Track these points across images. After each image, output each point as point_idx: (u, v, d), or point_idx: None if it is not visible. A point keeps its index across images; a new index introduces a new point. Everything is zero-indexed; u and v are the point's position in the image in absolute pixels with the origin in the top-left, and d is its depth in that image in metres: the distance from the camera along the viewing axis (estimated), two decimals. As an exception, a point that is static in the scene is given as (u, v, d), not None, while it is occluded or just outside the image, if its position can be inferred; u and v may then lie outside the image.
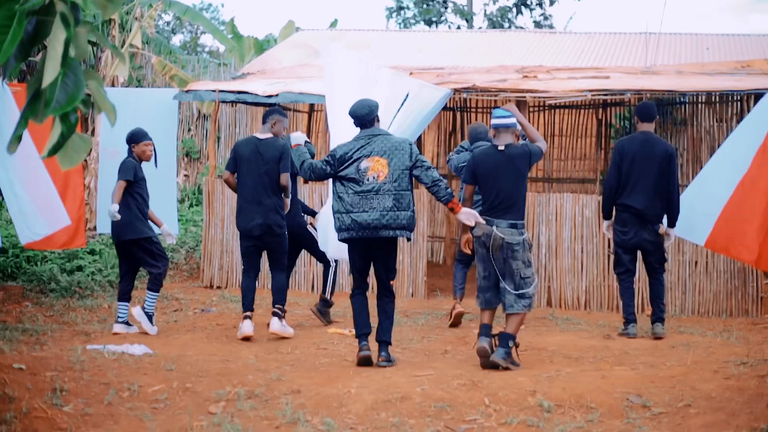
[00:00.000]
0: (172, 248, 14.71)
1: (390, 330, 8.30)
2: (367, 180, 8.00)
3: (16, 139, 3.70)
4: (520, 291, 8.11)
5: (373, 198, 7.99)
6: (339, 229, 8.16)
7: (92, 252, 13.51)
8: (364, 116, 8.19)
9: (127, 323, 9.73)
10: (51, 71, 3.56)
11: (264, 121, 9.71)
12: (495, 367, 7.89)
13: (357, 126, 8.27)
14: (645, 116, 9.78)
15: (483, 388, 7.11)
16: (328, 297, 10.53)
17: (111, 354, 7.98)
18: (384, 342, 8.20)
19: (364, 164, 8.04)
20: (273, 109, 9.84)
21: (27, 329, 9.60)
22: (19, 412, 6.13)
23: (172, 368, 7.60)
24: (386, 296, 8.36)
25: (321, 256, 10.50)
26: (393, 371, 7.76)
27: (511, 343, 8.02)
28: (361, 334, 8.25)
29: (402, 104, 10.49)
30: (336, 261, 10.49)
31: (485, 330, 8.12)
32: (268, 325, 9.54)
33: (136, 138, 9.81)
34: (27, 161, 9.52)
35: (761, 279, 11.67)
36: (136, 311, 9.56)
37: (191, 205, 18.30)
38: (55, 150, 3.66)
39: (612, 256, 10.23)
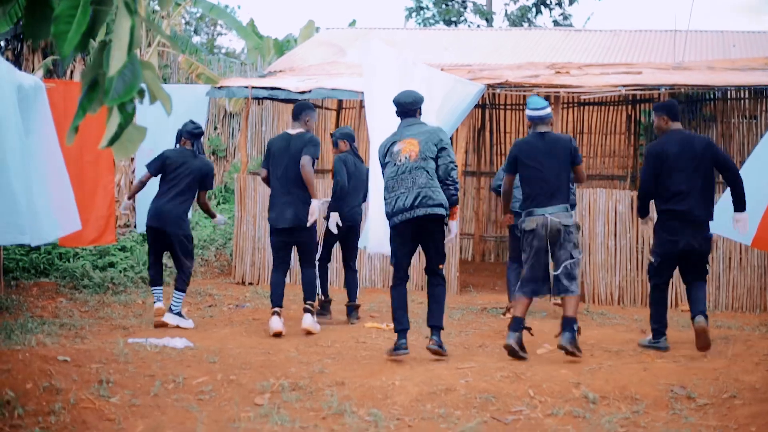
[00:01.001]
0: (202, 245, 14.75)
1: (441, 315, 8.16)
2: (400, 161, 8.02)
3: (74, 129, 3.71)
4: (573, 272, 8.19)
5: (407, 177, 7.97)
6: (387, 216, 8.14)
7: (123, 249, 13.55)
8: (407, 104, 8.23)
9: (180, 314, 9.78)
10: (117, 60, 3.56)
11: (296, 118, 9.62)
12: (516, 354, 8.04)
13: (398, 115, 8.30)
14: (675, 115, 8.87)
15: (526, 380, 7.11)
16: (322, 296, 10.59)
17: (153, 347, 8.03)
18: (435, 327, 8.11)
19: (397, 147, 8.09)
20: (303, 104, 9.77)
21: (65, 323, 9.63)
22: (67, 403, 6.17)
23: (214, 361, 7.64)
24: (436, 281, 8.24)
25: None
26: (435, 364, 7.77)
27: (575, 326, 8.10)
28: (400, 330, 8.09)
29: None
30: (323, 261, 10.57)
31: (517, 325, 8.12)
32: None
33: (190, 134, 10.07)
34: (50, 159, 9.51)
35: (794, 274, 11.65)
36: (169, 317, 9.57)
37: (218, 203, 18.33)
38: (113, 140, 3.66)
39: (650, 260, 9.00)
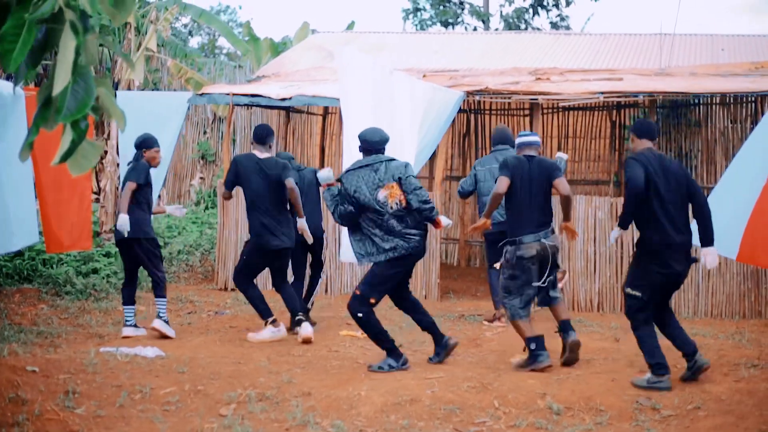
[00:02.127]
0: (187, 251, 14.78)
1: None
2: (391, 208, 8.06)
3: (28, 146, 3.74)
4: (555, 281, 8.46)
5: (408, 218, 8.11)
6: (386, 251, 8.14)
7: (107, 255, 13.57)
8: (375, 143, 8.22)
9: (135, 326, 9.79)
10: (61, 79, 3.59)
11: (262, 142, 9.60)
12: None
13: (362, 151, 8.28)
14: (649, 134, 7.91)
15: (493, 391, 7.15)
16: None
17: (124, 356, 8.05)
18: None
19: (381, 195, 8.05)
20: (267, 129, 9.70)
21: (42, 332, 9.64)
22: (31, 415, 6.21)
23: (184, 371, 7.66)
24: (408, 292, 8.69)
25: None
26: (404, 374, 7.80)
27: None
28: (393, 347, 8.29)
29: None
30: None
31: (539, 343, 8.13)
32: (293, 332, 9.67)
33: (147, 144, 9.83)
34: (19, 170, 9.49)
35: (775, 281, 11.66)
36: (158, 324, 9.58)
37: (206, 208, 18.37)
38: (66, 157, 3.69)
39: (631, 292, 7.75)
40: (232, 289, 13.27)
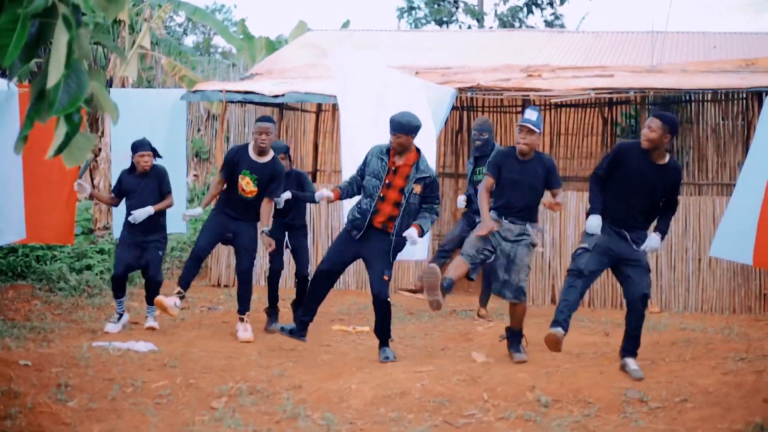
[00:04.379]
0: (180, 247, 14.82)
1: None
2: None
3: (23, 139, 3.78)
4: None
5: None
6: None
7: (101, 251, 13.61)
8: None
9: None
10: (54, 73, 3.62)
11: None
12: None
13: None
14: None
15: (482, 384, 7.18)
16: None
17: (116, 351, 8.08)
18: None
19: None
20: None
21: (35, 327, 9.68)
22: (24, 408, 6.24)
23: (175, 365, 7.70)
24: None
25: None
26: (394, 367, 7.84)
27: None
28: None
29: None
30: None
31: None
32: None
33: (132, 149, 9.82)
34: (9, 166, 9.52)
35: (764, 276, 11.72)
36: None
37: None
38: (60, 150, 3.73)
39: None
40: (225, 285, 13.34)
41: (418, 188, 8.16)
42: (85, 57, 3.93)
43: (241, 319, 9.46)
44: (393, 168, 8.17)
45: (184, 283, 9.34)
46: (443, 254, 10.65)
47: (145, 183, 9.75)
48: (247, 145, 9.44)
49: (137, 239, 9.72)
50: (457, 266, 8.21)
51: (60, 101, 3.69)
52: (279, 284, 10.10)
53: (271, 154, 9.41)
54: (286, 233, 10.06)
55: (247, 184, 9.28)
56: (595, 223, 7.71)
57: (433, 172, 8.31)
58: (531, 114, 8.27)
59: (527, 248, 8.20)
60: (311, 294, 8.51)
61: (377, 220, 8.20)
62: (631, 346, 7.81)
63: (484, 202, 8.32)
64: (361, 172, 8.34)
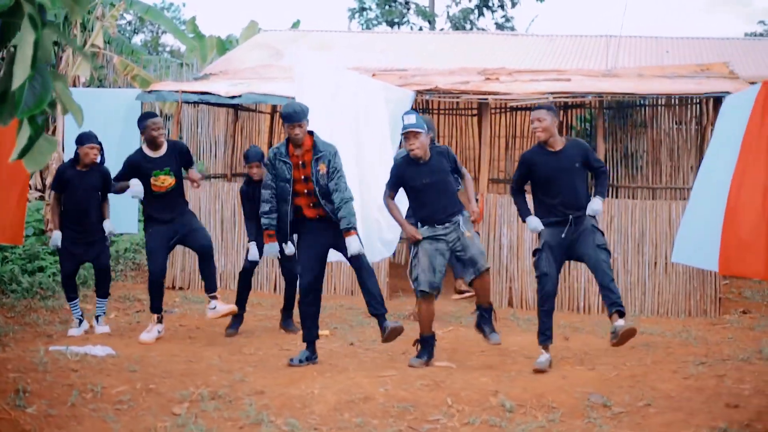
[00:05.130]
0: (134, 249, 14.66)
1: None
2: None
3: (-16, 141, 3.70)
4: None
5: None
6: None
7: (53, 253, 13.41)
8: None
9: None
10: (20, 73, 3.54)
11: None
12: None
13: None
14: None
15: (445, 389, 7.17)
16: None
17: (73, 355, 7.95)
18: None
19: None
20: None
21: (-12, 330, 9.55)
22: (-19, 413, 6.12)
23: (135, 369, 7.60)
24: None
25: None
26: (356, 372, 7.80)
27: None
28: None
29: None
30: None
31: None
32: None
33: (78, 140, 9.70)
34: None
35: (719, 280, 11.81)
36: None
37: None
38: (23, 152, 3.65)
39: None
40: (180, 288, 13.22)
41: (323, 168, 8.20)
42: (47, 58, 3.85)
43: (214, 297, 9.44)
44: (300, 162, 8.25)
45: (157, 308, 9.52)
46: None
47: (87, 177, 9.65)
48: (138, 150, 9.56)
49: (81, 239, 9.66)
50: (427, 315, 8.48)
51: (25, 103, 3.60)
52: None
53: (165, 142, 9.49)
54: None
55: (163, 181, 9.27)
56: (533, 222, 8.34)
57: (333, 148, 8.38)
58: (409, 118, 8.31)
59: (470, 232, 8.34)
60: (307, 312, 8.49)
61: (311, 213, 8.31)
62: (610, 298, 8.22)
63: (394, 210, 8.56)
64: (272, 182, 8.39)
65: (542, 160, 8.22)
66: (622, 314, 8.15)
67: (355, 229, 8.17)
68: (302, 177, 8.19)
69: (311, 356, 8.40)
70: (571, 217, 8.17)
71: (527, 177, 8.39)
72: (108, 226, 9.77)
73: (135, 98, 12.97)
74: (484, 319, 8.39)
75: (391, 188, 8.48)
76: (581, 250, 8.26)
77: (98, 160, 9.70)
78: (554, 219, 8.23)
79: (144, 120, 9.37)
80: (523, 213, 8.47)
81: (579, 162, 8.22)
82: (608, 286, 8.13)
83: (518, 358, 8.70)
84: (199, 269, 9.63)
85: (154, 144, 9.32)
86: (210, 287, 9.45)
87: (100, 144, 9.72)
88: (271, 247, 8.40)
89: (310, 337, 8.42)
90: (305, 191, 8.20)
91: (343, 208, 8.12)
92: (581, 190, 8.27)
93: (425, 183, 8.25)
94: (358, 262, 8.24)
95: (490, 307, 8.46)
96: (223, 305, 9.36)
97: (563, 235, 8.20)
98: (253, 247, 9.88)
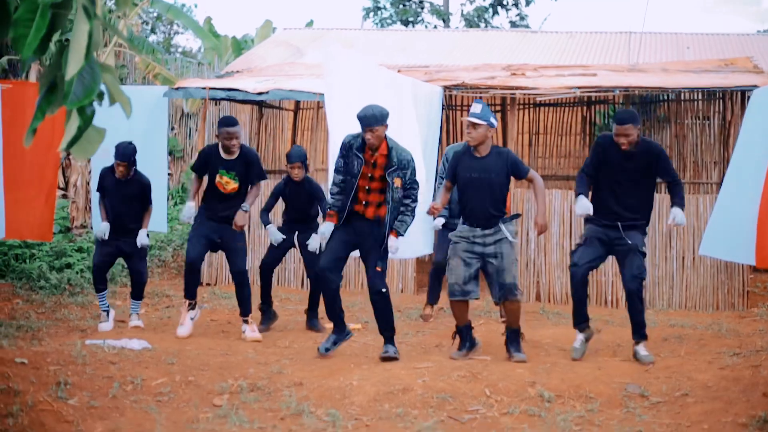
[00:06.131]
0: (159, 246, 14.70)
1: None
2: None
3: (32, 131, 3.72)
4: None
5: None
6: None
7: (80, 249, 13.48)
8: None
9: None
10: (74, 63, 3.56)
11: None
12: None
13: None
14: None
15: (483, 380, 7.18)
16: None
17: (111, 348, 7.98)
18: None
19: None
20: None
21: (21, 325, 9.56)
22: (25, 405, 6.15)
23: (173, 362, 7.63)
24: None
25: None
26: (393, 364, 7.83)
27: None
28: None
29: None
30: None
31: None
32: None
33: (115, 151, 9.57)
34: None
35: (747, 273, 11.82)
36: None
37: (176, 204, 18.29)
38: (72, 143, 3.68)
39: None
40: (208, 284, 13.24)
41: (398, 182, 8.09)
42: (96, 49, 3.88)
43: (246, 321, 9.37)
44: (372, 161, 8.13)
45: (191, 294, 9.41)
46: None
47: (125, 186, 9.65)
48: (217, 145, 9.38)
49: (116, 241, 9.69)
50: (460, 311, 8.44)
51: (75, 93, 3.63)
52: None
53: (238, 150, 9.35)
54: (296, 232, 10.06)
55: (227, 183, 9.22)
56: (583, 202, 8.17)
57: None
58: (475, 108, 8.22)
59: (509, 245, 8.19)
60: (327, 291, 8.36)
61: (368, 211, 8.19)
62: (636, 330, 8.21)
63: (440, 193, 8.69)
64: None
65: (615, 159, 8.17)
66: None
67: (401, 236, 8.15)
68: (369, 175, 8.07)
69: (340, 336, 8.39)
70: (620, 224, 8.15)
71: (599, 166, 8.26)
72: (141, 238, 9.72)
73: (162, 95, 12.96)
74: (511, 339, 8.36)
75: (447, 176, 8.46)
76: (620, 269, 8.41)
77: (129, 175, 9.67)
78: (606, 222, 8.20)
79: (219, 126, 9.27)
80: (579, 188, 8.24)
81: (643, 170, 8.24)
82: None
83: (551, 350, 8.71)
84: (235, 290, 9.60)
85: (226, 150, 9.29)
86: (242, 311, 9.40)
87: (132, 160, 9.62)
88: (327, 228, 8.24)
89: (336, 319, 8.35)
90: (366, 188, 8.09)
91: (405, 216, 8.13)
92: (644, 197, 8.28)
93: (473, 177, 8.13)
94: (377, 295, 8.27)
95: (517, 329, 8.39)
96: (252, 333, 9.28)
97: (606, 238, 8.24)
98: (272, 228, 9.91)
